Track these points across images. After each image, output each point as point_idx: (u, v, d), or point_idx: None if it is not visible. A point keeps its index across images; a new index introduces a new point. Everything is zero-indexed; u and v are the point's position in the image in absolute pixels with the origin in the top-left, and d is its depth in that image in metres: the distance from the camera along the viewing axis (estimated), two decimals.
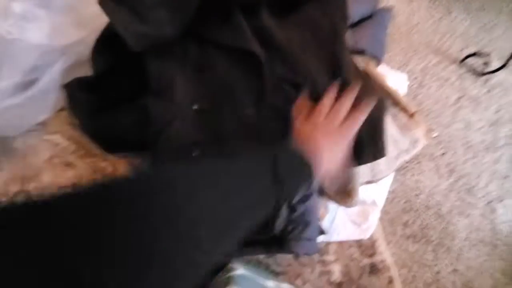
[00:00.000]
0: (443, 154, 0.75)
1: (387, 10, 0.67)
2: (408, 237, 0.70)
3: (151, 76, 0.56)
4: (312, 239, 0.57)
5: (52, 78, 0.60)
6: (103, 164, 0.69)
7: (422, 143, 0.73)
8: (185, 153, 0.53)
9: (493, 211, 0.72)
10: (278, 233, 0.54)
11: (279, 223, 0.53)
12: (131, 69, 0.60)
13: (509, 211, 0.72)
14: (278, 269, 0.65)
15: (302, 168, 0.34)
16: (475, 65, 0.81)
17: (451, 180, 0.74)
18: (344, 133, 0.41)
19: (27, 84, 0.63)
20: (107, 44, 0.58)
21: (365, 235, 0.67)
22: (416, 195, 0.73)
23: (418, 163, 0.74)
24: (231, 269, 0.44)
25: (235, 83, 0.55)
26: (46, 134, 0.71)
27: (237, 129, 0.53)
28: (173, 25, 0.54)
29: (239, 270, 0.44)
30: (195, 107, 0.54)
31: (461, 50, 0.83)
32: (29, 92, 0.61)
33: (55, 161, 0.69)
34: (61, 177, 0.69)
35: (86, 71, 0.69)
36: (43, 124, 0.71)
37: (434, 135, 0.76)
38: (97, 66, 0.60)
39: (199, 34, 0.55)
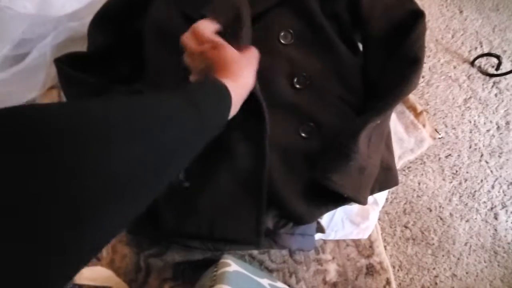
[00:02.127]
0: (448, 155, 0.73)
1: None
2: (407, 239, 0.68)
3: (153, 67, 0.52)
4: (306, 235, 0.54)
5: (42, 53, 0.56)
6: None
7: (427, 143, 0.70)
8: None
9: (495, 217, 0.70)
10: (271, 227, 0.51)
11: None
12: (129, 52, 0.57)
13: None
14: (272, 265, 0.62)
15: (218, 92, 0.34)
16: (485, 66, 0.79)
17: (454, 183, 0.72)
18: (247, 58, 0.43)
19: (16, 59, 0.59)
20: (107, 20, 0.55)
21: (363, 235, 0.65)
22: (418, 196, 0.70)
23: (422, 163, 0.72)
24: (225, 265, 0.41)
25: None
26: None
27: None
28: None
29: (233, 266, 0.41)
30: None
31: (471, 50, 0.80)
32: (18, 67, 0.58)
33: None
34: None
35: (80, 49, 0.66)
36: (33, 102, 0.67)
37: (440, 136, 0.73)
38: (93, 43, 0.56)
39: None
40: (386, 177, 0.55)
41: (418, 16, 0.49)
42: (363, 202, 0.48)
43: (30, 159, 0.15)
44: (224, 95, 0.35)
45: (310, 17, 0.50)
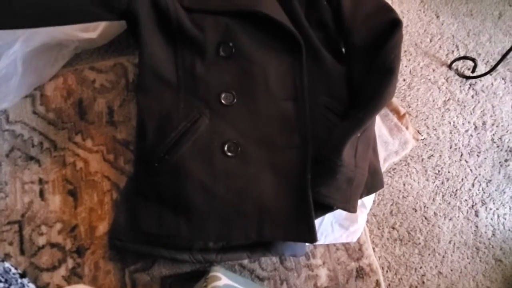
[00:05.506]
0: (430, 156, 0.75)
1: None
2: (395, 240, 0.69)
3: (159, 64, 0.49)
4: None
5: (11, 60, 0.53)
6: (72, 159, 0.63)
7: (411, 144, 0.72)
8: (217, 154, 0.47)
9: (476, 214, 0.73)
10: None
11: None
12: None
13: (491, 215, 0.73)
14: (263, 274, 0.61)
15: None
16: (462, 69, 0.82)
17: (437, 182, 0.74)
18: None
19: None
20: None
21: (352, 238, 0.65)
22: (404, 197, 0.72)
23: (406, 164, 0.73)
24: (214, 279, 0.40)
25: (268, 71, 0.49)
26: (6, 123, 0.63)
27: (275, 123, 0.49)
28: None
29: (223, 279, 0.40)
30: (222, 100, 0.48)
31: (448, 53, 0.83)
32: None
33: (15, 155, 0.62)
34: (21, 172, 0.62)
35: (54, 57, 0.62)
36: (3, 113, 0.63)
37: (422, 137, 0.75)
38: None
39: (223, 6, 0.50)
40: (373, 181, 0.55)
41: (396, 25, 0.50)
42: (352, 211, 0.49)
43: None
44: None
45: (297, 27, 0.50)
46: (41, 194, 0.61)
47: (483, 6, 0.89)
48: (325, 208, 0.50)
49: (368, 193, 0.56)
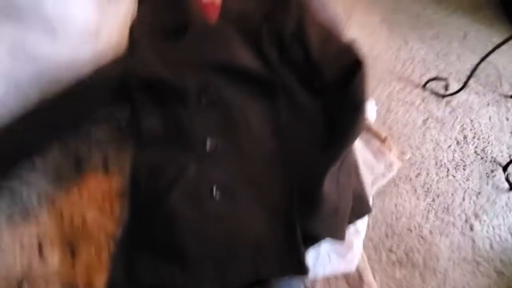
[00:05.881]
0: (418, 175, 0.77)
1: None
2: (394, 263, 0.69)
3: (148, 122, 0.53)
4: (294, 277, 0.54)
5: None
6: (69, 213, 0.64)
7: (397, 166, 0.74)
8: (206, 198, 0.49)
9: (471, 228, 0.74)
10: None
11: None
12: None
13: (487, 227, 0.74)
14: None
15: None
16: (436, 88, 0.87)
17: (428, 200, 0.75)
18: None
19: None
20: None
21: (351, 267, 0.65)
22: (397, 218, 0.73)
23: (395, 186, 0.75)
24: None
25: (250, 115, 0.53)
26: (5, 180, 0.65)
27: (261, 163, 0.51)
28: None
29: None
30: (208, 146, 0.51)
31: (421, 75, 0.88)
32: None
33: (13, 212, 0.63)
34: (20, 231, 0.62)
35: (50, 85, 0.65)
36: None
37: (407, 157, 0.78)
38: None
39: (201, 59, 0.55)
40: (359, 205, 0.57)
41: (359, 64, 0.54)
42: (341, 239, 0.50)
43: None
44: None
45: (270, 71, 0.54)
46: (40, 252, 0.61)
47: (448, 28, 0.96)
48: (315, 238, 0.52)
49: (357, 218, 0.57)
